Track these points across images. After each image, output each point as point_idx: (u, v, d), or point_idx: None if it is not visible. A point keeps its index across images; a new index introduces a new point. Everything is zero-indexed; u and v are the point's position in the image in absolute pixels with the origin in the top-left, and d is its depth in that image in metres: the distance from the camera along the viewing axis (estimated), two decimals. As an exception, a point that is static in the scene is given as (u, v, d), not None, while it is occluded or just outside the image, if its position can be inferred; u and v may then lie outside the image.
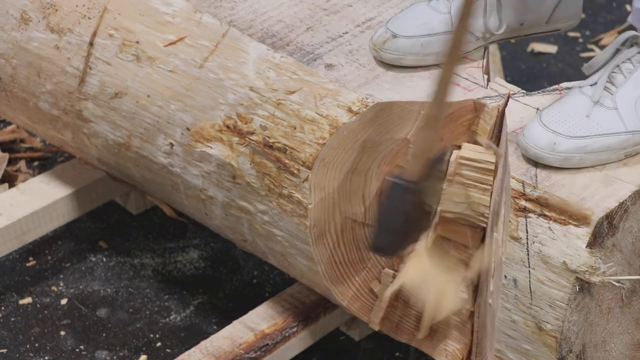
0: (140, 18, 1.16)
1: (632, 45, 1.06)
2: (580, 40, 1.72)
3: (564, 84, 1.10)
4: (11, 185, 1.40)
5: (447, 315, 1.05)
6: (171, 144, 1.16)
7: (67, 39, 1.22)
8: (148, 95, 1.15)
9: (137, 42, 1.16)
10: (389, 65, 1.10)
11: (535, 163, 1.03)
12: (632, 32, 1.06)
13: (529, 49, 1.69)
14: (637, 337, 1.09)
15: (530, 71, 1.62)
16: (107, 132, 1.22)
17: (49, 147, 1.48)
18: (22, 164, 1.46)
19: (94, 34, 1.20)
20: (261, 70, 1.08)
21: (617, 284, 0.97)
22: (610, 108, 1.03)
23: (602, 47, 1.56)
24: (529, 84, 1.28)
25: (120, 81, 1.19)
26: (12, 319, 1.27)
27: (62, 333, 1.23)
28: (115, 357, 1.21)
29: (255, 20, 1.12)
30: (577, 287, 0.96)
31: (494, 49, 1.23)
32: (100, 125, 1.23)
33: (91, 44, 1.19)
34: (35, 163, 1.48)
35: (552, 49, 1.73)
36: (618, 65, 1.06)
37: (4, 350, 1.22)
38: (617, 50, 1.07)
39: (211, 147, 1.10)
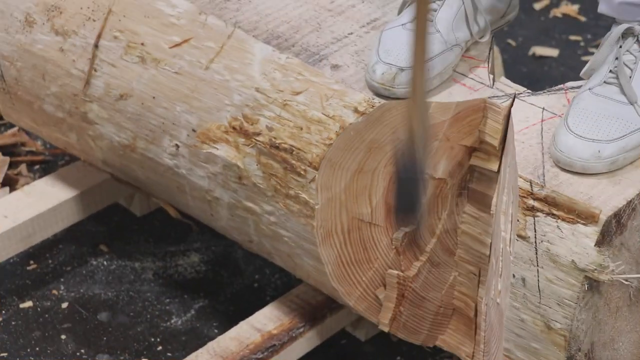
0: (145, 20, 1.19)
1: (625, 38, 1.11)
2: (582, 43, 1.76)
3: (569, 84, 1.14)
4: (12, 189, 1.42)
5: None
6: (177, 146, 1.18)
7: (71, 41, 1.24)
8: (153, 97, 1.18)
9: (142, 44, 1.19)
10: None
11: (543, 163, 1.04)
12: (624, 26, 1.10)
13: (530, 53, 1.73)
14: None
15: (532, 75, 1.66)
16: (112, 134, 1.24)
17: (51, 150, 1.49)
18: (22, 168, 1.48)
19: (99, 36, 1.22)
20: (267, 72, 1.11)
21: (626, 283, 1.00)
22: (628, 104, 1.07)
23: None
24: (531, 88, 1.34)
25: (126, 83, 1.21)
26: (13, 323, 1.29)
27: (63, 337, 1.24)
28: (116, 361, 1.21)
29: (260, 22, 1.15)
30: (586, 286, 0.98)
31: (496, 52, 1.28)
32: (106, 127, 1.25)
33: (96, 46, 1.22)
34: (36, 167, 1.50)
35: (553, 52, 1.78)
36: (617, 58, 1.10)
37: (5, 354, 1.22)
38: (614, 46, 1.11)
39: (217, 148, 1.13)
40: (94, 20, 1.22)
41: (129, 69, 1.20)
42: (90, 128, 1.28)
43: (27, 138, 1.50)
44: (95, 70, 1.24)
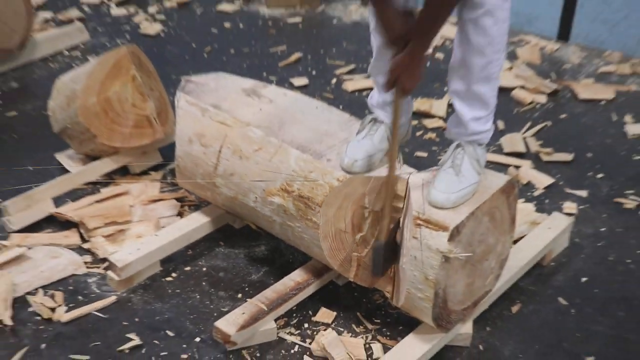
0: (241, 139, 1.38)
1: (457, 147, 1.28)
2: (438, 150, 1.90)
3: (434, 167, 1.31)
4: (181, 217, 1.61)
5: None
6: (256, 198, 1.37)
7: (208, 149, 1.44)
8: (245, 174, 1.38)
9: (240, 150, 1.38)
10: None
11: (424, 202, 1.20)
12: (456, 143, 1.27)
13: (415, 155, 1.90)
14: (467, 282, 1.27)
15: (419, 161, 1.85)
16: (226, 192, 1.43)
17: (198, 199, 1.66)
18: (185, 208, 1.66)
19: (221, 147, 1.41)
20: (298, 163, 1.29)
21: (460, 257, 1.19)
22: (465, 174, 1.23)
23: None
24: (422, 166, 1.39)
25: (233, 168, 1.38)
26: (182, 277, 1.48)
27: (215, 290, 1.42)
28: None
29: (294, 140, 1.36)
30: (443, 259, 1.16)
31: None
32: (223, 189, 1.43)
33: (219, 151, 1.41)
34: (192, 206, 1.67)
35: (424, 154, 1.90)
36: (452, 154, 1.27)
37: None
38: (453, 150, 1.28)
39: (274, 199, 1.33)
40: (218, 139, 1.41)
41: (234, 162, 1.38)
42: (217, 190, 1.44)
43: (187, 193, 1.67)
44: (219, 162, 1.41)
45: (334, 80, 2.23)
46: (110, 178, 1.68)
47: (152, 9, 2.71)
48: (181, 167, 1.51)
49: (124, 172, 1.71)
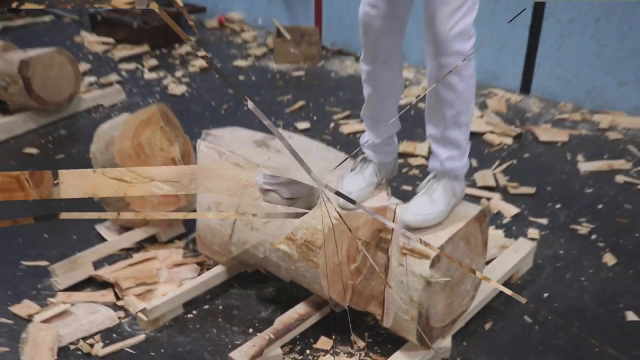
0: (252, 208, 1.38)
1: (433, 177, 1.32)
2: (418, 182, 1.88)
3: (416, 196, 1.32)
4: (200, 273, 1.61)
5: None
6: (265, 250, 1.43)
7: (224, 220, 1.46)
8: (257, 239, 1.42)
9: (253, 222, 1.38)
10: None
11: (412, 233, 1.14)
12: (433, 174, 1.30)
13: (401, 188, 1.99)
14: (446, 302, 1.31)
15: (405, 194, 1.91)
16: (240, 255, 1.46)
17: (216, 263, 1.61)
18: (205, 271, 1.63)
19: (235, 222, 1.41)
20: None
21: (440, 281, 1.23)
22: (436, 200, 1.27)
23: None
24: (407, 199, 1.38)
25: (246, 237, 1.42)
26: (201, 315, 1.49)
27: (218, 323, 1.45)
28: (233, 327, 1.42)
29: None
30: (426, 283, 1.21)
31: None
32: (237, 253, 1.48)
33: (234, 222, 1.43)
34: (210, 269, 1.59)
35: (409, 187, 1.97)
36: (428, 183, 1.31)
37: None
38: (429, 179, 1.32)
39: (281, 247, 1.37)
40: (233, 208, 1.43)
41: (246, 231, 1.42)
42: (232, 254, 1.49)
43: (207, 258, 1.67)
44: (233, 232, 1.45)
45: (332, 125, 2.39)
46: (141, 246, 1.77)
47: (178, 73, 2.96)
48: (201, 237, 1.58)
49: (152, 240, 1.79)
